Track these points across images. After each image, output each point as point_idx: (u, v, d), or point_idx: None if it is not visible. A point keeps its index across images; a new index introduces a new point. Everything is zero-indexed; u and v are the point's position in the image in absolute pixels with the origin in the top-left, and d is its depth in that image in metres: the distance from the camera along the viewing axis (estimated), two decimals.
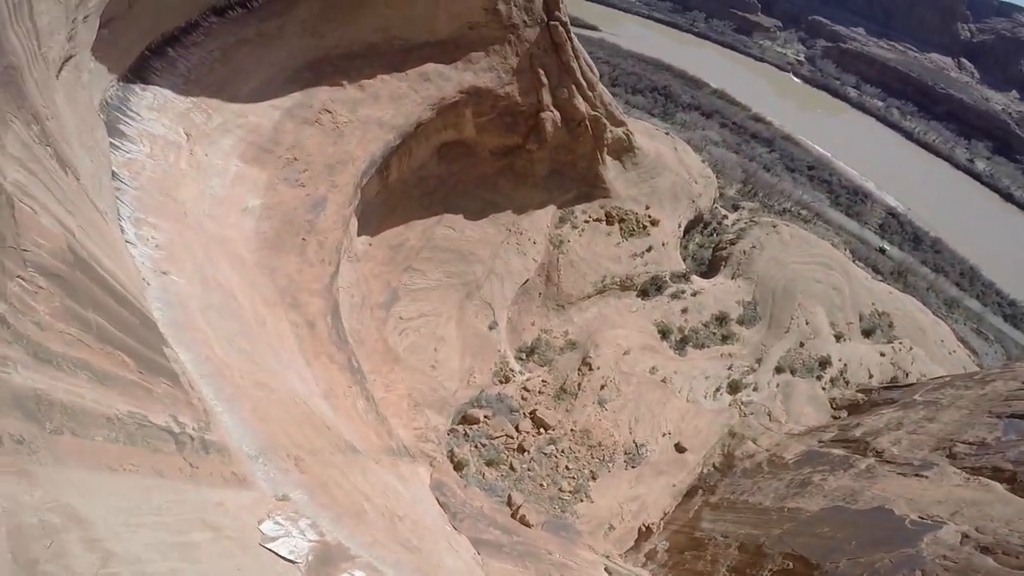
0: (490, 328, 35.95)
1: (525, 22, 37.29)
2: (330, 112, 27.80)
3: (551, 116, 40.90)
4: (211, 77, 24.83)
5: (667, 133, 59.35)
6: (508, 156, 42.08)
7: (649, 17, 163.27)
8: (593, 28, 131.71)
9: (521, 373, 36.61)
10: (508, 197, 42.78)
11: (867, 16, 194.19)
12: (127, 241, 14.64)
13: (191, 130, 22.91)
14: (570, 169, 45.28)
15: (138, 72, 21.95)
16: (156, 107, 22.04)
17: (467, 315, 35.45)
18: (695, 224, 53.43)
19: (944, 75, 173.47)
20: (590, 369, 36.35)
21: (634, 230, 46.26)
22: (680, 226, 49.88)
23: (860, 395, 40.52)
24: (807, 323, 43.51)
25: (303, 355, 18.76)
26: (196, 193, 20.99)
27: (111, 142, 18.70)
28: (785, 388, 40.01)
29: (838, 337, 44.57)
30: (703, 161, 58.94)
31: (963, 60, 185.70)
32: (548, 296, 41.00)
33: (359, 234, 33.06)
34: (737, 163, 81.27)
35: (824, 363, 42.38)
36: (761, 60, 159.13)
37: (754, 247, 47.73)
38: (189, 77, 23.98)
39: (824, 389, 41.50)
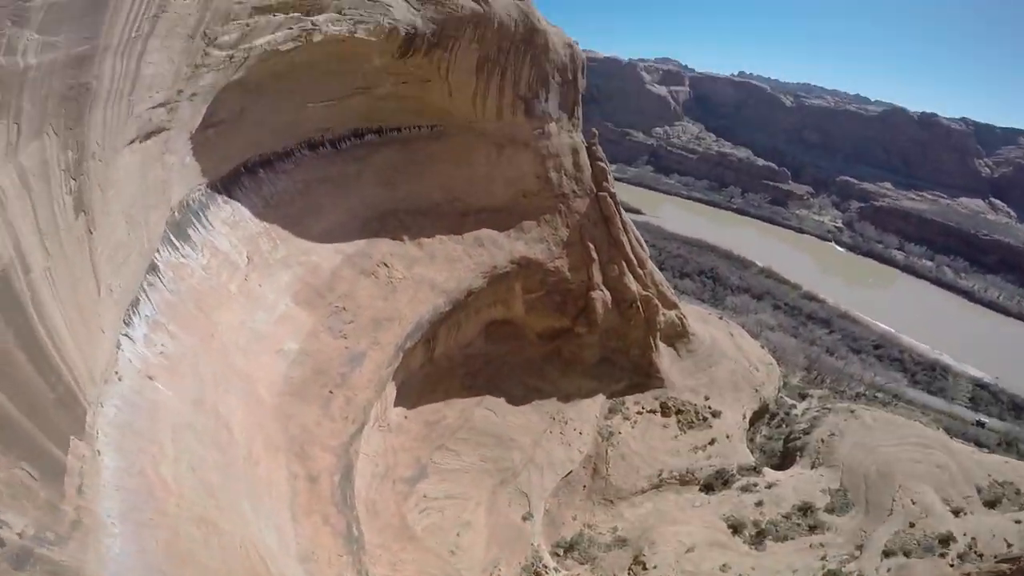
0: (524, 519, 30.75)
1: (575, 192, 38.47)
2: (387, 266, 27.45)
3: (602, 296, 39.77)
4: (289, 207, 25.00)
5: (720, 317, 57.62)
6: (556, 340, 40.10)
7: (688, 197, 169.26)
8: (636, 212, 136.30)
9: (556, 570, 30.38)
10: (554, 384, 39.66)
11: (889, 168, 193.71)
12: (126, 335, 12.71)
13: (254, 255, 21.99)
14: (622, 357, 42.47)
15: (227, 184, 22.34)
16: (230, 223, 21.64)
17: (499, 503, 30.63)
18: (760, 415, 48.78)
19: (982, 220, 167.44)
20: (644, 568, 29.88)
21: (693, 422, 42.06)
22: (745, 417, 45.36)
23: (1004, 566, 32.06)
24: (913, 503, 36.83)
25: (291, 509, 15.22)
26: (236, 322, 19.35)
27: (173, 241, 17.66)
28: (900, 571, 32.44)
29: (956, 512, 37.33)
30: (762, 347, 55.98)
31: (993, 200, 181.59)
32: (595, 490, 35.76)
33: (396, 404, 30.52)
34: (798, 348, 76.72)
35: (945, 540, 34.98)
36: (801, 231, 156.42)
37: (833, 435, 42.91)
38: (270, 202, 24.18)
39: (952, 566, 33.51)
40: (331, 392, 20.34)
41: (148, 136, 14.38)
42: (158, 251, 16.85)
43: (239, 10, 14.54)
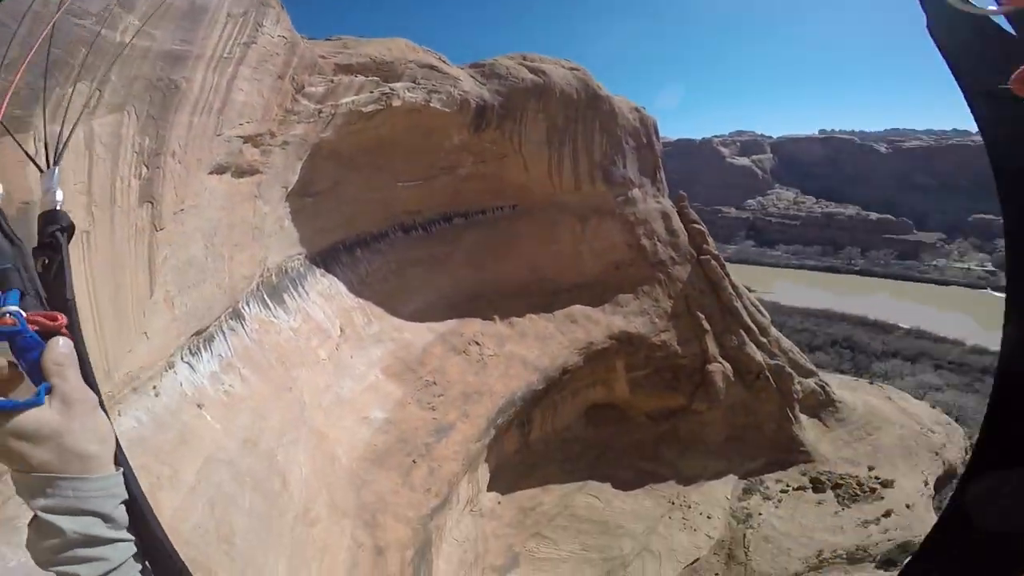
0: None
1: (673, 259, 35.89)
2: (478, 344, 26.47)
3: (721, 368, 35.36)
4: (383, 286, 25.48)
5: (871, 382, 49.41)
6: (670, 419, 35.62)
7: (801, 267, 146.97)
8: (748, 289, 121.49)
9: None
10: (671, 466, 34.88)
11: None
12: (188, 363, 12.06)
13: (347, 328, 22.21)
14: (754, 433, 36.40)
15: (326, 258, 23.28)
16: (326, 295, 22.17)
17: None
18: (946, 481, 39.46)
19: None
20: None
21: (858, 495, 33.91)
22: (927, 484, 36.74)
23: None
24: None
25: None
26: (321, 385, 18.88)
27: (266, 301, 18.09)
28: None
29: None
30: (933, 407, 46.92)
31: None
32: None
33: (489, 489, 28.00)
34: (978, 405, 63.11)
35: None
36: (945, 283, 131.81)
37: None
38: (365, 280, 24.81)
39: None
40: (414, 461, 18.55)
41: (240, 173, 15.05)
42: (247, 304, 17.07)
43: (323, 64, 15.49)
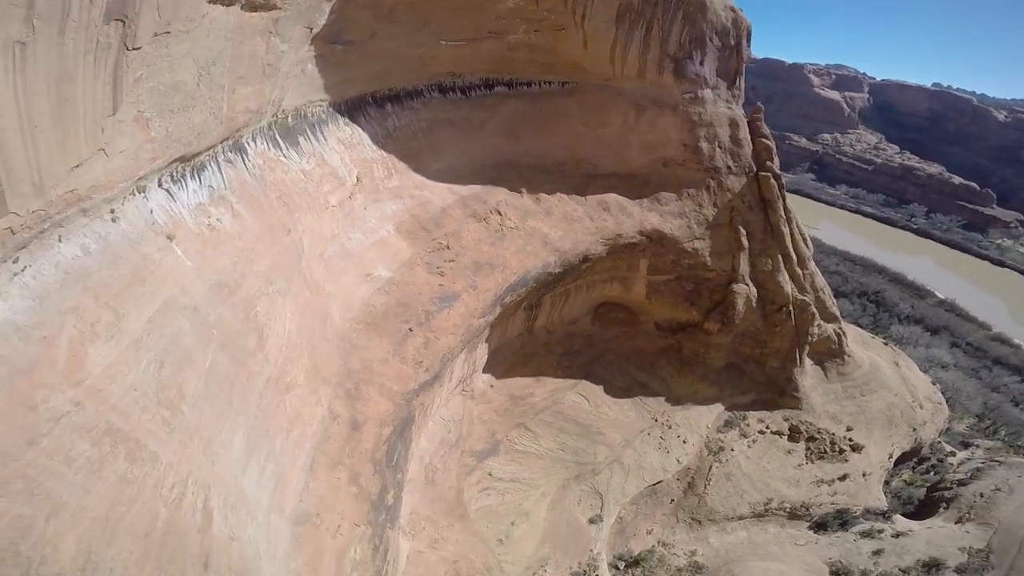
0: (591, 522, 26.36)
1: (730, 167, 32.49)
2: (500, 214, 24.56)
3: (746, 291, 33.30)
4: (410, 143, 23.43)
5: (885, 343, 47.54)
6: (678, 334, 34.38)
7: (856, 211, 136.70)
8: None
9: None
10: (665, 383, 33.99)
11: None
12: (167, 189, 10.78)
13: (365, 179, 20.30)
14: (754, 366, 35.55)
15: (351, 108, 21.28)
16: (347, 143, 20.34)
17: (567, 498, 26.53)
18: (908, 457, 39.74)
19: None
20: None
21: (826, 453, 34.04)
22: (891, 457, 36.85)
23: None
24: None
25: (312, 456, 12.71)
26: (326, 232, 17.64)
27: (277, 140, 16.57)
28: None
29: None
30: (933, 383, 45.64)
31: None
32: (683, 506, 30.10)
33: (485, 370, 27.87)
34: (976, 392, 62.80)
35: None
36: (1001, 264, 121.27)
37: (998, 489, 33.60)
38: (391, 134, 22.76)
39: None
40: (411, 330, 17.78)
41: (252, 7, 12.77)
42: (252, 139, 15.36)
43: None
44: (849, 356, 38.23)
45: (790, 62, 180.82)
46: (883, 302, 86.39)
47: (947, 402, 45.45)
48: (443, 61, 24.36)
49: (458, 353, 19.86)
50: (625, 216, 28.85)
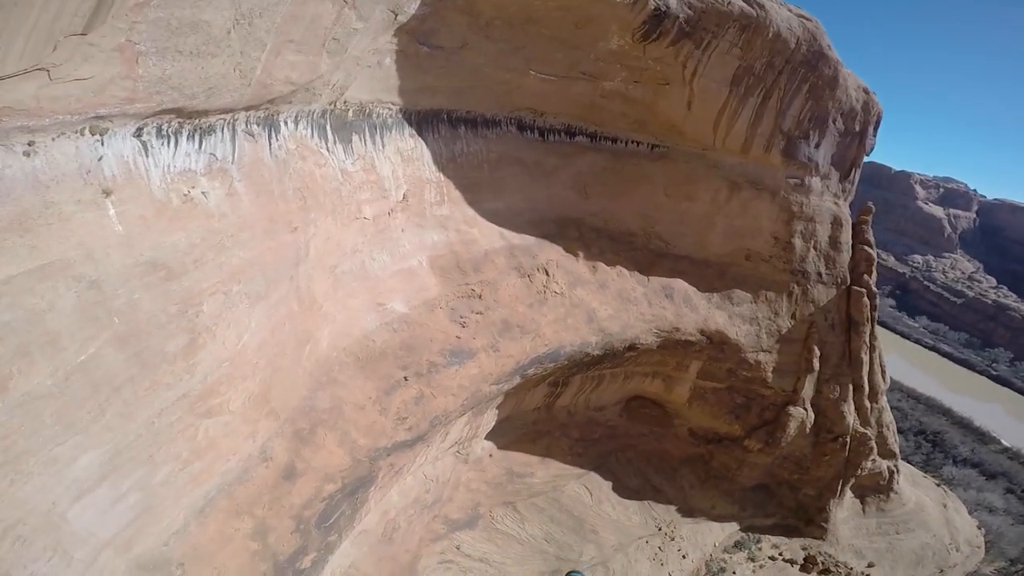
0: None
1: (820, 275, 28.06)
2: (548, 274, 21.44)
3: (802, 416, 28.56)
4: (473, 173, 20.93)
5: (939, 484, 42.81)
6: (711, 445, 29.90)
7: (933, 348, 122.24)
8: None
9: None
10: (682, 492, 29.46)
11: None
12: (140, 138, 8.19)
13: (413, 198, 18.02)
14: (787, 491, 30.87)
15: (422, 121, 19.07)
16: (405, 156, 17.98)
17: None
18: None
19: None
20: None
21: None
22: None
23: None
24: None
25: (210, 496, 9.43)
26: (346, 243, 14.80)
27: (325, 130, 14.36)
28: None
29: None
30: (979, 528, 40.88)
31: None
32: None
33: (488, 437, 24.13)
34: (1019, 538, 56.21)
35: None
36: None
37: None
38: (456, 159, 20.34)
39: None
40: (406, 379, 14.50)
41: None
42: (293, 120, 13.00)
43: None
44: (896, 493, 33.39)
45: (897, 169, 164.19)
46: (941, 444, 79.55)
47: (986, 545, 40.50)
48: (528, 94, 21.98)
49: (455, 418, 16.34)
50: (689, 309, 25.03)
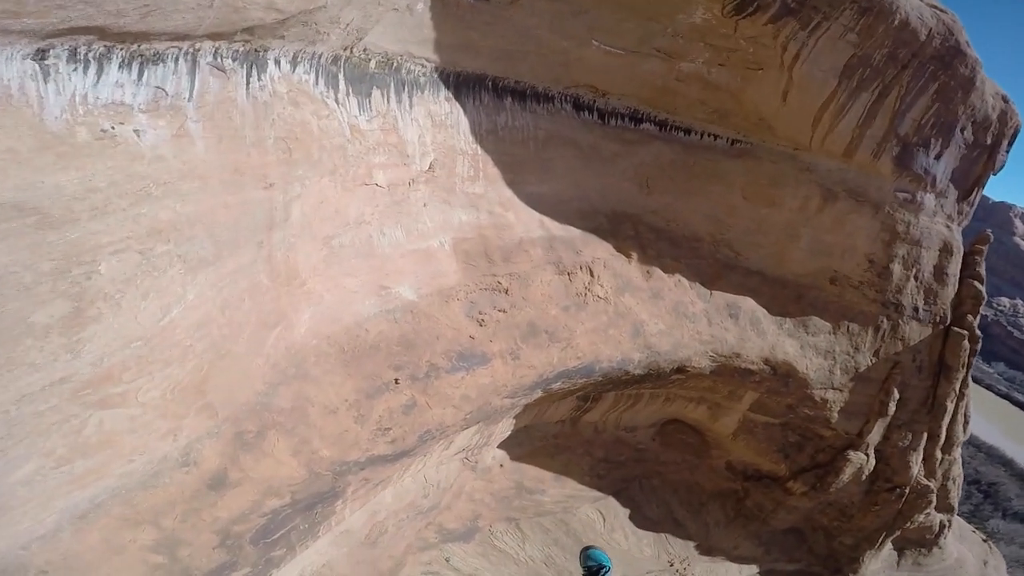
0: None
1: (916, 310, 22.92)
2: (592, 275, 18.20)
3: (863, 462, 23.86)
4: (516, 149, 17.78)
5: (985, 540, 38.45)
6: (749, 481, 26.00)
7: (1006, 396, 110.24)
8: None
9: None
10: (705, 529, 26.14)
11: None
12: (37, 61, 6.02)
13: (441, 169, 15.12)
14: (822, 537, 26.75)
15: (461, 84, 16.00)
16: (437, 121, 15.18)
17: None
18: None
19: None
20: None
21: None
22: None
23: None
24: None
25: (97, 500, 7.14)
26: (351, 211, 12.18)
27: (336, 79, 11.78)
28: None
29: None
30: None
31: None
32: None
33: (501, 446, 21.26)
34: None
35: None
36: None
37: None
38: (497, 132, 17.25)
39: None
40: (396, 381, 11.80)
41: None
42: (289, 60, 10.50)
43: None
44: (939, 548, 29.17)
45: (995, 199, 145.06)
46: (994, 495, 72.22)
47: None
48: (589, 68, 18.53)
49: (454, 434, 13.55)
50: (755, 333, 20.98)
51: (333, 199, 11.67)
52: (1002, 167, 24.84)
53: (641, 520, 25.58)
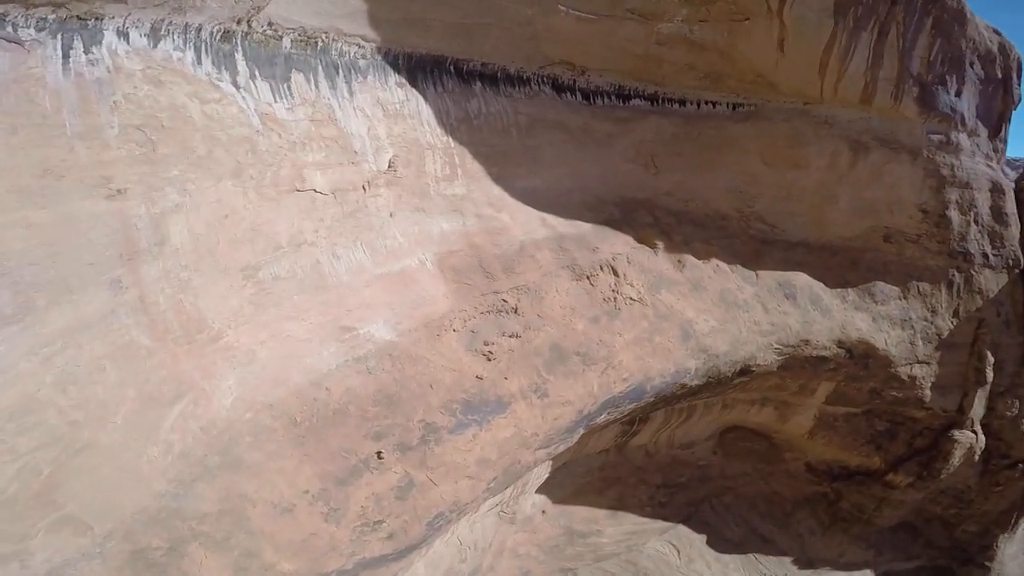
0: None
1: (986, 256, 18.67)
2: (616, 274, 14.24)
3: (971, 440, 19.26)
4: (496, 140, 14.21)
5: None
6: (838, 482, 21.34)
7: None
8: None
9: None
10: (799, 540, 21.56)
11: None
12: None
13: (407, 169, 11.53)
14: (939, 528, 22.04)
15: (415, 68, 12.59)
16: (389, 110, 11.63)
17: None
18: None
19: None
20: None
21: None
22: None
23: None
24: None
25: None
26: (280, 233, 8.23)
27: (239, 64, 8.50)
28: None
29: None
30: None
31: None
32: None
33: (539, 490, 16.79)
34: None
35: None
36: None
37: None
38: (470, 121, 13.73)
39: None
40: (380, 456, 7.69)
41: None
42: (131, 30, 6.87)
43: None
44: None
45: None
46: None
47: None
48: (561, 40, 15.10)
49: (474, 510, 9.30)
50: (819, 313, 16.77)
51: (245, 211, 7.87)
52: (1020, 100, 21.75)
53: (721, 544, 21.12)
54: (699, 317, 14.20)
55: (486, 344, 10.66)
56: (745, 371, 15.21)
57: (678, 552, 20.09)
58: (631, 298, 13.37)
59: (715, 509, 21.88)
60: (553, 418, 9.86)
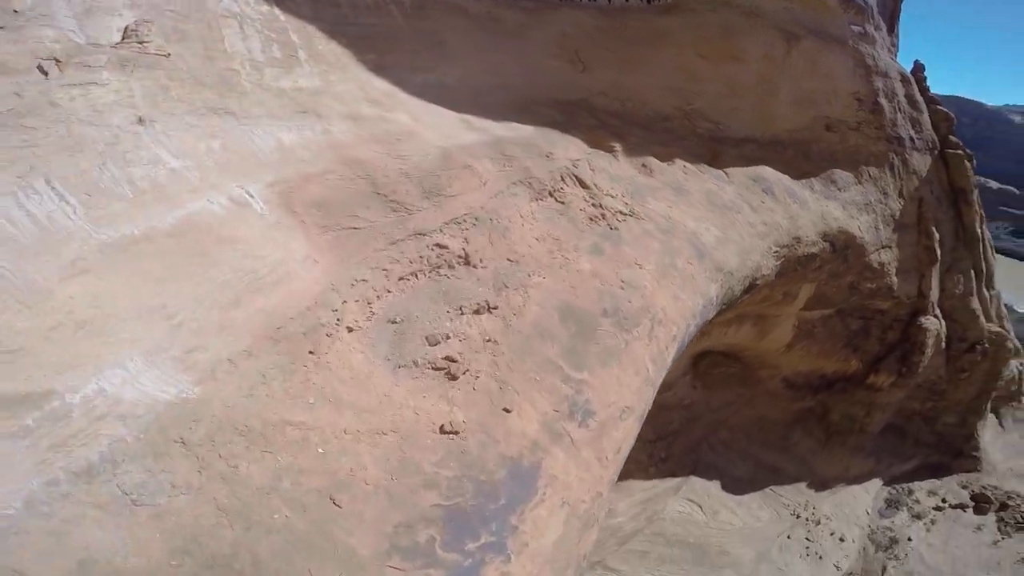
0: None
1: (912, 139, 16.29)
2: (584, 185, 8.54)
3: (937, 326, 17.18)
4: (370, 17, 7.71)
5: None
6: (821, 393, 18.41)
7: None
8: None
9: None
10: (803, 462, 18.37)
11: None
12: None
13: (181, 45, 4.63)
14: (922, 424, 19.97)
15: None
16: None
17: None
18: None
19: None
20: None
21: (1023, 523, 19.33)
22: None
23: None
24: None
25: None
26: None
27: None
28: None
29: None
30: None
31: None
32: None
33: None
34: None
35: None
36: None
37: None
38: (340, 4, 7.32)
39: None
40: None
41: None
42: None
43: None
44: None
45: (991, 104, 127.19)
46: None
47: None
48: None
49: None
50: (798, 205, 12.51)
51: None
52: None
53: (735, 485, 17.49)
54: (700, 227, 9.05)
55: (433, 343, 4.47)
56: (751, 286, 10.47)
57: (700, 507, 16.77)
58: (621, 211, 7.81)
59: (715, 449, 18.52)
60: (615, 450, 3.97)
